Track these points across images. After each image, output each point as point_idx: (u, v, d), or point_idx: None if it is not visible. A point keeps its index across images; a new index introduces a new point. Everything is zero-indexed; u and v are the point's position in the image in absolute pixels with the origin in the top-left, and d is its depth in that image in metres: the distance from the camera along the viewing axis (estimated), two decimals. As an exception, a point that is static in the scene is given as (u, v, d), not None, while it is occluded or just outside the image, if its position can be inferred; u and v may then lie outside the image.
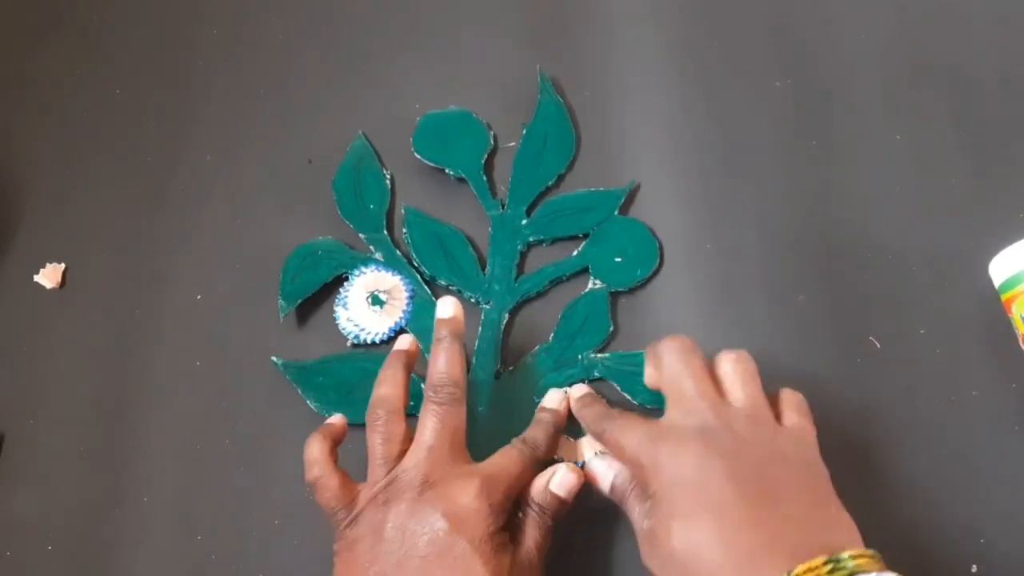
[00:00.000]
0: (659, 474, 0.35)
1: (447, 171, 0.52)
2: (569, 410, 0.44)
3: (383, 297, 0.48)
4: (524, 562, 0.37)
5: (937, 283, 0.48)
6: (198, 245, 0.51)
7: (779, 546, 0.32)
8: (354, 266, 0.49)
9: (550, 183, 0.51)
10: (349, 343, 0.48)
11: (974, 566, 0.42)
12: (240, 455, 0.46)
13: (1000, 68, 0.54)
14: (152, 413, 0.47)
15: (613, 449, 0.38)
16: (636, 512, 0.37)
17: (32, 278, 0.51)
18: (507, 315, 0.48)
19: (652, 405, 0.46)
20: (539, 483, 0.40)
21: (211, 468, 0.46)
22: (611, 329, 0.47)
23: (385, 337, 0.48)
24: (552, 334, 0.48)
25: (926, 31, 0.56)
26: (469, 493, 0.37)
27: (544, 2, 0.58)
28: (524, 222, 0.51)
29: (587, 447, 0.44)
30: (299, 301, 0.48)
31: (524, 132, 0.53)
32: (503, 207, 0.51)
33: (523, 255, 0.50)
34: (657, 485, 0.35)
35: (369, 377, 0.46)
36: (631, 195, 0.51)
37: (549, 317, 0.48)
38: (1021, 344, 0.45)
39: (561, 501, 0.39)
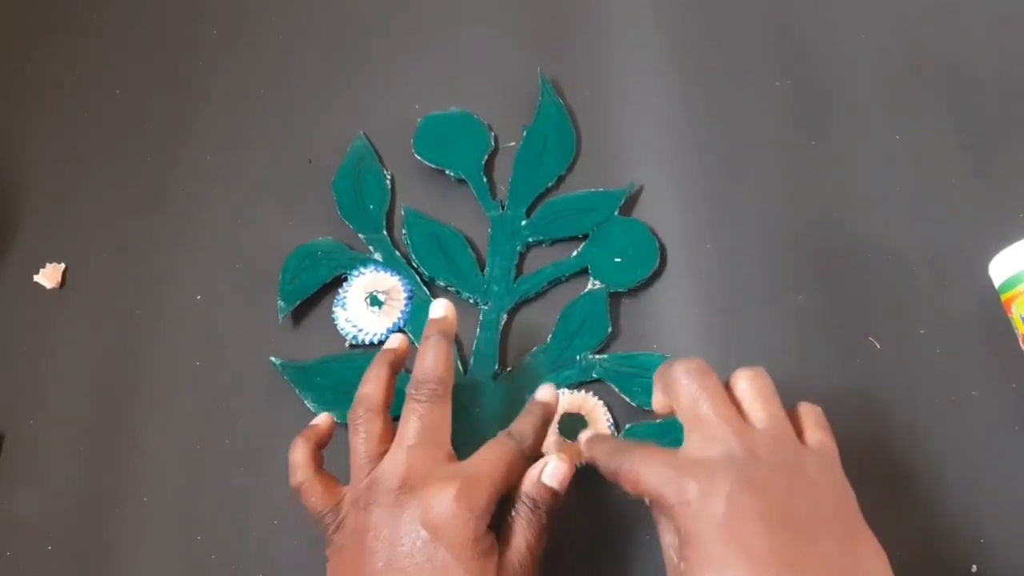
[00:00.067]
0: (687, 514, 0.33)
1: (447, 172, 0.52)
2: (558, 404, 0.43)
3: (382, 298, 0.48)
4: (515, 564, 0.36)
5: (937, 283, 0.49)
6: (198, 245, 0.51)
7: None
8: (353, 267, 0.49)
9: (550, 184, 0.51)
10: (347, 343, 0.48)
11: (974, 566, 0.42)
12: (240, 455, 0.46)
13: (1000, 68, 0.54)
14: (152, 413, 0.47)
15: (631, 485, 0.36)
16: (665, 539, 0.36)
17: (32, 278, 0.51)
18: (505, 316, 0.48)
19: (651, 407, 0.45)
20: (531, 475, 0.38)
21: (211, 468, 0.46)
22: (610, 330, 0.47)
23: (383, 337, 0.48)
24: (551, 335, 0.48)
25: (926, 31, 0.56)
26: (447, 497, 0.35)
27: (544, 2, 0.58)
28: (524, 223, 0.51)
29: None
30: (298, 302, 0.48)
31: (524, 133, 0.53)
32: (503, 208, 0.51)
33: (522, 256, 0.50)
34: (686, 525, 0.33)
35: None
36: (631, 196, 0.51)
37: (548, 318, 0.48)
38: (1021, 344, 0.45)
39: (554, 493, 0.38)
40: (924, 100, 0.53)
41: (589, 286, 0.49)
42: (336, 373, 0.47)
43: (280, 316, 0.48)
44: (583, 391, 0.46)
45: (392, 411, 0.41)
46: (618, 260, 0.49)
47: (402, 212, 0.51)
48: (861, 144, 0.52)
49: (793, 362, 0.47)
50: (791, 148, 0.53)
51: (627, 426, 0.46)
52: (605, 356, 0.47)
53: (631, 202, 0.51)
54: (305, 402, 0.46)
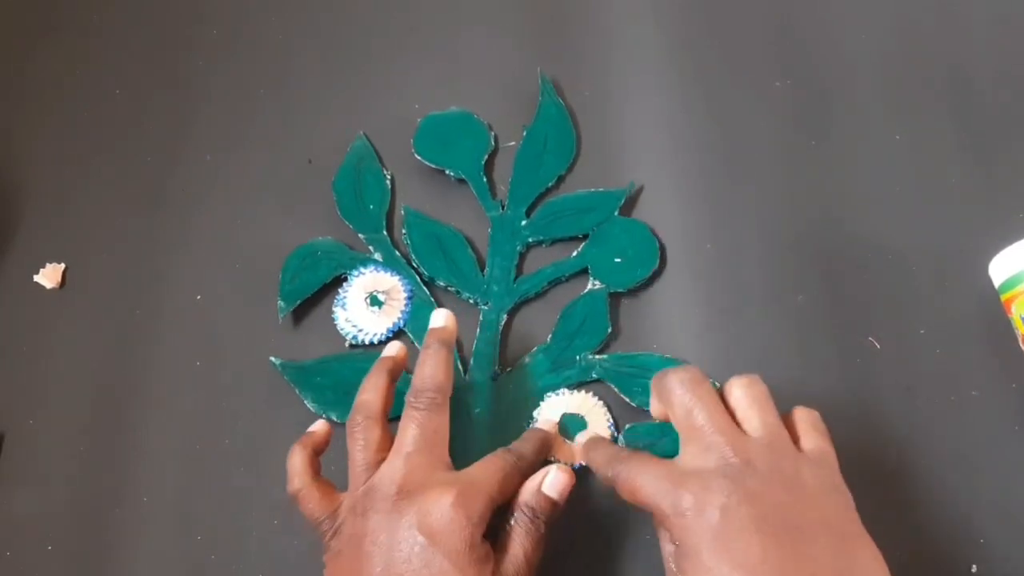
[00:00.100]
0: (683, 525, 0.33)
1: (447, 172, 0.52)
2: (556, 434, 0.44)
3: (381, 298, 0.48)
4: (510, 572, 0.36)
5: (937, 283, 0.49)
6: (198, 245, 0.51)
7: None
8: (353, 267, 0.49)
9: (550, 184, 0.51)
10: (347, 343, 0.48)
11: (974, 566, 0.42)
12: (240, 455, 0.46)
13: (1000, 68, 0.54)
14: (152, 413, 0.47)
15: (628, 495, 0.36)
16: (664, 549, 0.36)
17: (32, 278, 0.51)
18: (505, 316, 0.48)
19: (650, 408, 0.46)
20: (530, 485, 0.39)
21: (211, 468, 0.46)
22: (609, 330, 0.47)
23: (383, 338, 0.48)
24: (550, 335, 0.48)
25: (926, 31, 0.56)
26: (445, 503, 0.35)
27: (544, 2, 0.58)
28: (524, 223, 0.51)
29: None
30: (298, 301, 0.48)
31: (524, 134, 0.53)
32: (503, 208, 0.51)
33: (522, 256, 0.50)
34: (682, 536, 0.33)
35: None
36: (631, 196, 0.51)
37: (548, 318, 0.48)
38: (1021, 344, 0.45)
39: (553, 503, 0.38)
40: (924, 100, 0.53)
41: (589, 286, 0.49)
42: (336, 373, 0.47)
43: (280, 316, 0.48)
44: (583, 391, 0.46)
45: (393, 412, 0.41)
46: (618, 260, 0.49)
47: (402, 212, 0.51)
48: (861, 144, 0.52)
49: (793, 362, 0.47)
50: (791, 148, 0.53)
51: (627, 426, 0.46)
52: (605, 356, 0.47)
53: (631, 202, 0.51)
54: (305, 402, 0.46)
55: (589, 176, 0.52)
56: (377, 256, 0.50)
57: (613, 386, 0.46)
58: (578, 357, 0.47)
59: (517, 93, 0.54)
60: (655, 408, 0.39)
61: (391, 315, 0.48)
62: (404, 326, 0.48)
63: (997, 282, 0.46)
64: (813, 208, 0.51)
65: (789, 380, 0.47)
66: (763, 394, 0.37)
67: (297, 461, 0.40)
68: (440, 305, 0.49)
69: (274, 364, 0.47)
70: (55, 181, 0.54)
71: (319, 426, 0.42)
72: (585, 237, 0.50)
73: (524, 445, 0.41)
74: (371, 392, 0.40)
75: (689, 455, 0.36)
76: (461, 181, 0.52)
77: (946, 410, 0.46)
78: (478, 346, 0.48)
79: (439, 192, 0.52)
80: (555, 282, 0.49)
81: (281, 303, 0.48)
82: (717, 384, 0.46)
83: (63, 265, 0.51)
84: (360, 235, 0.50)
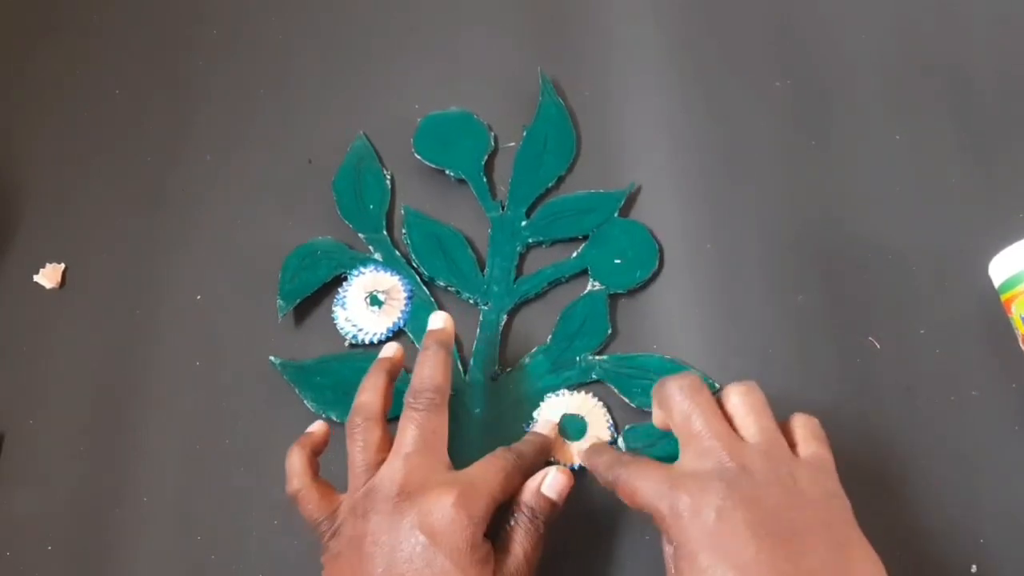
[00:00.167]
0: (680, 526, 0.34)
1: (447, 172, 0.52)
2: (555, 437, 0.44)
3: (381, 297, 0.48)
4: (511, 572, 0.36)
5: (937, 283, 0.49)
6: (198, 245, 0.51)
7: None
8: (353, 266, 0.49)
9: (550, 185, 0.51)
10: (347, 343, 0.48)
11: (974, 566, 0.42)
12: (240, 455, 0.46)
13: (1000, 68, 0.54)
14: (152, 413, 0.47)
15: (628, 498, 0.36)
16: (665, 550, 0.36)
17: (32, 278, 0.51)
18: (505, 316, 0.48)
19: (650, 408, 0.45)
20: (530, 486, 0.39)
21: (211, 468, 0.46)
22: (609, 331, 0.47)
23: (383, 337, 0.48)
24: (550, 336, 0.48)
25: (926, 31, 0.56)
26: (446, 503, 0.36)
27: (544, 2, 0.58)
28: (524, 223, 0.51)
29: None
30: (298, 301, 0.48)
31: (524, 134, 0.53)
32: (503, 208, 0.51)
33: (522, 256, 0.50)
34: (678, 537, 0.34)
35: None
36: (631, 196, 0.51)
37: (547, 319, 0.48)
38: (1021, 344, 0.45)
39: (552, 504, 0.39)
40: (924, 100, 0.53)
41: (589, 287, 0.49)
42: (336, 373, 0.47)
43: (280, 315, 0.48)
44: (583, 392, 0.46)
45: (392, 413, 0.41)
46: (618, 261, 0.49)
47: (402, 212, 0.51)
48: (861, 144, 0.52)
49: (793, 362, 0.47)
50: (791, 148, 0.53)
51: (626, 427, 0.46)
52: (605, 357, 0.47)
53: (631, 202, 0.51)
54: (305, 402, 0.46)
55: (589, 176, 0.52)
56: (377, 256, 0.50)
57: (613, 387, 0.46)
58: (578, 358, 0.47)
59: (517, 93, 0.54)
60: (657, 417, 0.39)
61: (391, 315, 0.48)
62: (404, 326, 0.48)
63: (997, 282, 0.46)
64: (813, 208, 0.51)
65: (789, 380, 0.47)
66: (760, 401, 0.37)
67: (296, 461, 0.40)
68: (440, 305, 0.49)
69: (274, 364, 0.47)
70: (55, 181, 0.54)
71: (318, 426, 0.42)
72: (585, 238, 0.50)
73: (525, 446, 0.41)
74: (370, 393, 0.40)
75: (687, 459, 0.36)
76: (461, 181, 0.52)
77: (946, 410, 0.46)
78: (478, 346, 0.48)
79: (439, 192, 0.52)
80: (555, 283, 0.49)
81: (281, 302, 0.48)
82: (717, 386, 0.46)
83: (63, 265, 0.51)
84: (360, 235, 0.50)
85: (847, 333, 0.48)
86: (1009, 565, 0.42)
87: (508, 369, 0.47)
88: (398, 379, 0.43)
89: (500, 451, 0.40)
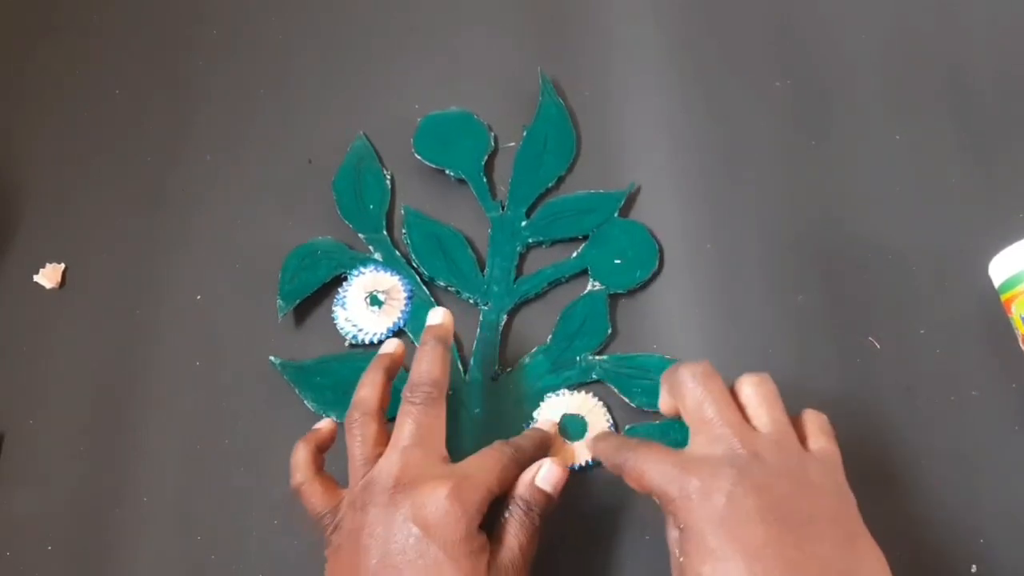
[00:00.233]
0: (689, 508, 0.34)
1: (447, 172, 0.52)
2: (558, 432, 0.44)
3: (381, 297, 0.48)
4: (506, 564, 0.36)
5: (937, 283, 0.49)
6: (198, 245, 0.51)
7: None
8: (353, 266, 0.49)
9: (550, 185, 0.51)
10: (347, 343, 0.48)
11: (974, 566, 0.42)
12: (240, 455, 0.46)
13: (1000, 68, 0.54)
14: (152, 413, 0.47)
15: (635, 481, 0.36)
16: (670, 535, 0.36)
17: (32, 278, 0.51)
18: (505, 316, 0.48)
19: (651, 408, 0.46)
20: (525, 479, 0.39)
21: (211, 468, 0.46)
22: (609, 331, 0.47)
23: (383, 337, 0.48)
24: (550, 336, 0.48)
25: (926, 31, 0.56)
26: (440, 495, 0.36)
27: (544, 2, 0.58)
28: (524, 223, 0.51)
29: (583, 451, 0.45)
30: (298, 301, 0.48)
31: (524, 134, 0.53)
32: (503, 208, 0.51)
33: (522, 256, 0.50)
34: (687, 519, 0.34)
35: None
36: (631, 196, 0.51)
37: (547, 319, 0.48)
38: (1021, 344, 0.45)
39: (547, 496, 0.39)
40: (924, 100, 0.53)
41: (589, 287, 0.49)
42: (336, 373, 0.47)
43: (280, 315, 0.48)
44: (583, 392, 0.46)
45: (388, 413, 0.41)
46: (618, 261, 0.49)
47: (402, 212, 0.51)
48: (861, 144, 0.52)
49: (793, 362, 0.47)
50: (791, 148, 0.53)
51: (627, 427, 0.46)
52: (605, 357, 0.47)
53: (631, 202, 0.51)
54: (305, 402, 0.46)
55: (589, 176, 0.52)
56: (377, 256, 0.50)
57: (613, 387, 0.46)
58: (578, 358, 0.47)
59: (517, 93, 0.54)
60: (665, 403, 0.39)
61: (391, 315, 0.48)
62: (404, 326, 0.48)
63: (997, 282, 0.46)
64: (813, 208, 0.51)
65: (789, 380, 0.46)
66: (772, 392, 0.38)
67: (300, 456, 0.40)
68: (440, 305, 0.49)
69: (274, 364, 0.47)
70: (55, 181, 0.54)
71: (324, 424, 0.42)
72: (585, 238, 0.50)
73: (524, 440, 0.41)
74: (368, 388, 0.40)
75: (698, 445, 0.36)
76: (461, 181, 0.52)
77: (946, 410, 0.46)
78: (478, 346, 0.48)
79: (439, 192, 0.52)
80: (555, 283, 0.49)
81: (280, 302, 0.48)
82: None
83: (63, 265, 0.51)
84: (360, 235, 0.50)
85: (847, 333, 0.48)
86: (1009, 565, 0.42)
87: (508, 369, 0.47)
88: (397, 377, 0.43)
89: (498, 444, 0.40)
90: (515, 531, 0.37)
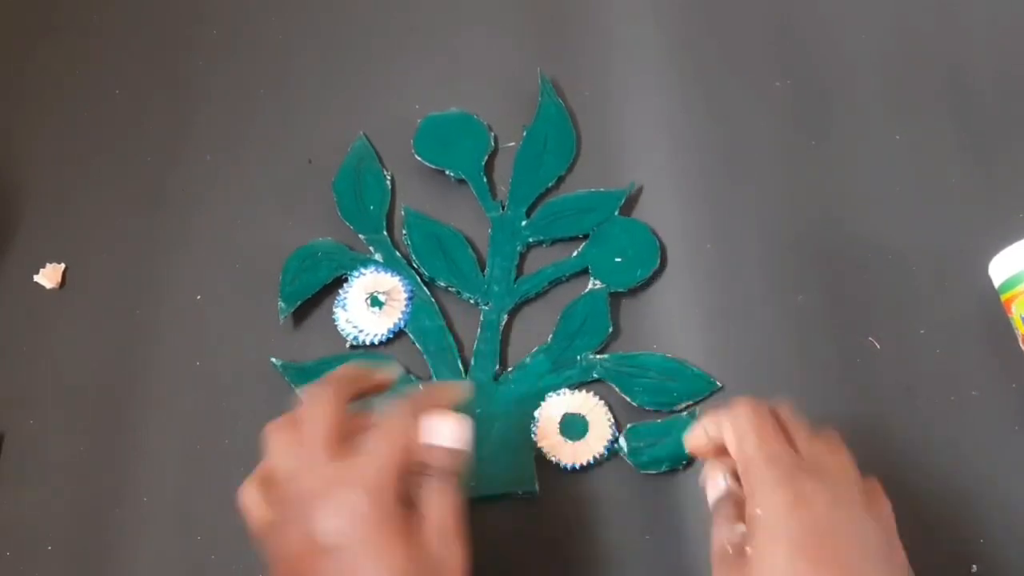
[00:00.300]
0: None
1: (447, 172, 0.52)
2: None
3: (382, 298, 0.48)
4: (435, 534, 0.34)
5: (937, 283, 0.49)
6: (198, 245, 0.51)
7: None
8: (353, 267, 0.49)
9: (550, 184, 0.51)
10: (348, 344, 0.48)
11: (974, 566, 0.42)
12: (240, 455, 0.46)
13: (1000, 68, 0.54)
14: (152, 413, 0.47)
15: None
16: (722, 531, 0.36)
17: (32, 278, 0.51)
18: (506, 316, 0.48)
19: (652, 407, 0.46)
20: (415, 445, 0.36)
21: (211, 468, 0.46)
22: (610, 330, 0.47)
23: (384, 338, 0.48)
24: (551, 335, 0.48)
25: (926, 31, 0.56)
26: (352, 492, 0.34)
27: (544, 2, 0.58)
28: (524, 223, 0.51)
29: (584, 450, 0.45)
30: (299, 303, 0.48)
31: (524, 134, 0.53)
32: (503, 208, 0.51)
33: (523, 256, 0.50)
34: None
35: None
36: (632, 196, 0.51)
37: (548, 318, 0.48)
38: (1021, 344, 0.45)
39: (456, 453, 0.37)
40: (924, 100, 0.53)
41: (589, 286, 0.49)
42: (336, 373, 0.47)
43: (281, 317, 0.48)
44: (584, 391, 0.46)
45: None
46: (618, 260, 0.49)
47: (402, 213, 0.51)
48: (861, 144, 0.52)
49: (793, 362, 0.47)
50: (791, 148, 0.53)
51: (628, 426, 0.46)
52: (606, 356, 0.47)
53: (631, 202, 0.51)
54: (305, 402, 0.46)
55: (589, 176, 0.52)
56: (377, 257, 0.50)
57: (614, 386, 0.46)
58: (579, 357, 0.47)
59: (517, 93, 0.54)
60: (732, 446, 0.37)
61: (392, 315, 0.48)
62: (404, 326, 0.48)
63: (997, 282, 0.46)
64: (813, 208, 0.51)
65: (789, 380, 0.47)
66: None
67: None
68: (440, 305, 0.49)
69: (275, 365, 0.47)
70: (55, 181, 0.54)
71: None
72: (585, 237, 0.50)
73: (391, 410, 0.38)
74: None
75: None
76: (461, 181, 0.52)
77: (946, 410, 0.46)
78: (479, 346, 0.48)
79: (439, 192, 0.52)
80: (555, 282, 0.49)
81: (282, 304, 0.48)
82: (719, 384, 0.46)
83: (63, 265, 0.51)
84: (360, 236, 0.50)
85: (847, 333, 0.48)
86: (1009, 565, 0.42)
87: (509, 369, 0.47)
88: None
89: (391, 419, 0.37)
90: (436, 499, 0.35)
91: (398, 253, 0.50)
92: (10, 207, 0.53)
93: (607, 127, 0.53)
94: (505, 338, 0.48)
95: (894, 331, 0.47)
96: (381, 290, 0.49)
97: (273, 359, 0.47)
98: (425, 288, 0.49)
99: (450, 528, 0.35)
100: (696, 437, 0.39)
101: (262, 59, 0.57)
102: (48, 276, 0.51)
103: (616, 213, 0.50)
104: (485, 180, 0.52)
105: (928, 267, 0.49)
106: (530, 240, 0.50)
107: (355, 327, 0.48)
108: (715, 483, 0.39)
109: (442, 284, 0.49)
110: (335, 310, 0.48)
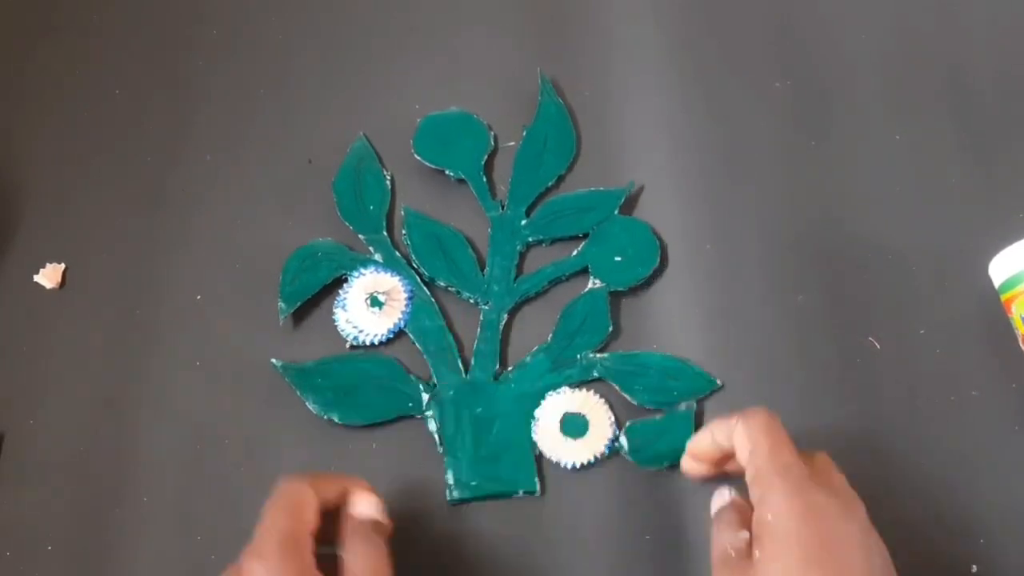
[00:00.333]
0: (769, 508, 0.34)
1: (447, 172, 0.52)
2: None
3: (382, 298, 0.48)
4: None
5: (937, 283, 0.49)
6: (198, 245, 0.51)
7: None
8: (353, 267, 0.49)
9: (550, 184, 0.51)
10: (348, 344, 0.48)
11: (974, 566, 0.42)
12: (240, 455, 0.46)
13: (1000, 68, 0.54)
14: (152, 413, 0.47)
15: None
16: (724, 536, 0.37)
17: (32, 278, 0.51)
18: (506, 315, 0.48)
19: (652, 406, 0.46)
20: (353, 511, 0.37)
21: (211, 468, 0.46)
22: (610, 329, 0.47)
23: (384, 338, 0.48)
24: (551, 334, 0.48)
25: (926, 31, 0.56)
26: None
27: (544, 2, 0.58)
28: (523, 223, 0.51)
29: (584, 450, 0.45)
30: (299, 303, 0.48)
31: (524, 133, 0.53)
32: (503, 208, 0.51)
33: (522, 255, 0.50)
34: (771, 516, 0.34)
35: (368, 378, 0.46)
36: (632, 195, 0.51)
37: (548, 317, 0.48)
38: (1021, 344, 0.45)
39: (378, 523, 0.37)
40: (924, 100, 0.53)
41: (589, 285, 0.49)
42: (337, 374, 0.47)
43: (281, 318, 0.48)
44: (584, 390, 0.46)
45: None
46: (618, 259, 0.49)
47: (402, 213, 0.51)
48: (861, 144, 0.52)
49: (793, 362, 0.47)
50: (791, 148, 0.53)
51: (628, 424, 0.46)
52: (606, 355, 0.47)
53: (631, 202, 0.51)
54: (307, 404, 0.46)
55: (589, 176, 0.52)
56: (377, 257, 0.50)
57: (615, 385, 0.46)
58: (579, 356, 0.47)
59: (517, 93, 0.54)
60: (744, 453, 0.37)
61: (392, 316, 0.48)
62: (404, 326, 0.48)
63: (997, 282, 0.46)
64: (813, 208, 0.51)
65: (789, 380, 0.47)
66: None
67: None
68: (441, 305, 0.49)
69: (275, 366, 0.47)
70: (55, 181, 0.54)
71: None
72: (585, 236, 0.50)
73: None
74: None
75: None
76: (461, 181, 0.52)
77: (946, 410, 0.46)
78: (479, 346, 0.48)
79: (439, 192, 0.52)
80: (555, 281, 0.49)
81: (282, 304, 0.48)
82: (718, 383, 0.46)
83: (63, 265, 0.51)
84: (360, 236, 0.50)
85: (847, 333, 0.48)
86: (1009, 565, 0.42)
87: (509, 368, 0.47)
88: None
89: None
90: (363, 559, 0.35)
91: (398, 253, 0.50)
92: (10, 207, 0.53)
93: (607, 127, 0.53)
94: (505, 337, 0.48)
95: (894, 331, 0.47)
96: (381, 290, 0.49)
97: (273, 360, 0.47)
98: (425, 288, 0.49)
99: None
100: (701, 441, 0.40)
101: (262, 59, 0.57)
102: (48, 276, 0.51)
103: (616, 212, 0.50)
104: (485, 180, 0.52)
105: (928, 267, 0.49)
106: (530, 239, 0.50)
107: (355, 327, 0.48)
108: (720, 494, 0.39)
109: (442, 284, 0.49)
110: (335, 310, 0.48)
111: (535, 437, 0.45)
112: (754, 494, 0.35)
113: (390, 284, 0.49)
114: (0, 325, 0.50)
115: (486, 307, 0.48)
